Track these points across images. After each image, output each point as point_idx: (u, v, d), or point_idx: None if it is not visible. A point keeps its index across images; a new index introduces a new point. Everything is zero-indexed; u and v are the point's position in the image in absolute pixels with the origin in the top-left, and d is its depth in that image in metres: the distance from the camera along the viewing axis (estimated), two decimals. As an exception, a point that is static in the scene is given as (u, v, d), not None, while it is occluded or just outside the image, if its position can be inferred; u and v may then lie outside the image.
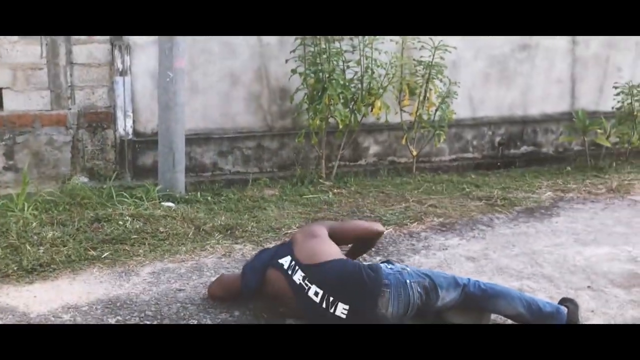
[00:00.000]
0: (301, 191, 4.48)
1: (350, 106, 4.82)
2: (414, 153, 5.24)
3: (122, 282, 2.85)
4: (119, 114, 4.56)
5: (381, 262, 2.46)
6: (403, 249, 3.32)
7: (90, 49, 4.43)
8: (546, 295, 2.69)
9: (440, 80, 5.09)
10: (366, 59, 4.79)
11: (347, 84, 4.72)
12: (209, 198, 4.19)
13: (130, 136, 4.64)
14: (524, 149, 5.95)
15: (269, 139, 5.12)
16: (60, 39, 4.30)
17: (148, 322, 2.44)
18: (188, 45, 4.63)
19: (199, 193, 4.29)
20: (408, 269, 2.36)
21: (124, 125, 4.59)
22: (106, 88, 4.53)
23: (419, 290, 2.26)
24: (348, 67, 4.77)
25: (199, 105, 4.82)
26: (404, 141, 5.16)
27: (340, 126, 4.71)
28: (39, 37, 4.23)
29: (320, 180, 4.77)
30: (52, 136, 4.43)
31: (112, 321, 2.42)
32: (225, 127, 4.97)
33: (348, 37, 4.74)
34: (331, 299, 2.26)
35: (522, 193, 4.54)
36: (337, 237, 2.61)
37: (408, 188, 4.63)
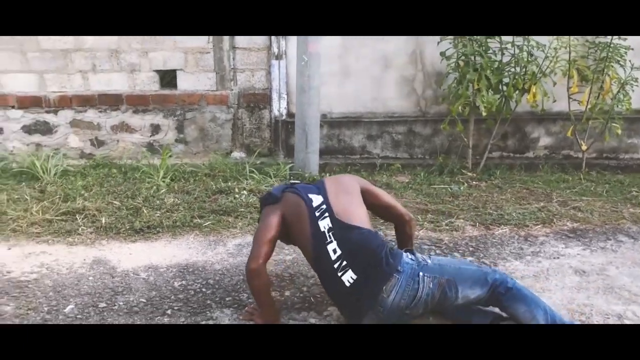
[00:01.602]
0: (432, 180, 4.30)
1: (502, 92, 4.47)
2: (584, 147, 4.68)
3: (206, 250, 3.04)
4: (274, 96, 4.82)
5: (405, 251, 2.27)
6: (506, 252, 3.00)
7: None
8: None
9: (621, 65, 4.45)
10: (526, 41, 4.38)
11: (500, 67, 4.38)
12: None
13: (284, 117, 4.88)
14: None
15: (422, 124, 4.98)
16: (225, 25, 4.66)
17: (206, 290, 2.57)
18: (341, 29, 4.71)
19: (328, 174, 4.37)
20: (429, 261, 2.17)
21: (279, 107, 4.84)
22: (264, 71, 4.81)
23: (430, 286, 2.11)
24: (506, 49, 4.40)
25: (350, 89, 4.87)
26: (569, 133, 4.63)
27: (484, 113, 4.37)
28: (207, 23, 4.64)
29: (463, 171, 4.51)
30: (215, 114, 4.86)
31: (177, 284, 2.63)
32: (375, 111, 4.96)
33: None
34: (344, 262, 2.19)
35: None
36: (366, 199, 2.47)
37: (561, 186, 4.14)
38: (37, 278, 2.64)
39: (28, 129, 4.81)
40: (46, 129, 4.82)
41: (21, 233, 3.12)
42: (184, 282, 2.64)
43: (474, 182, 4.26)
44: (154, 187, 3.81)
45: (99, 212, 3.37)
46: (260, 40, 4.72)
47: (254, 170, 4.27)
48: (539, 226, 3.36)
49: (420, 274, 2.12)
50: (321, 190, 2.39)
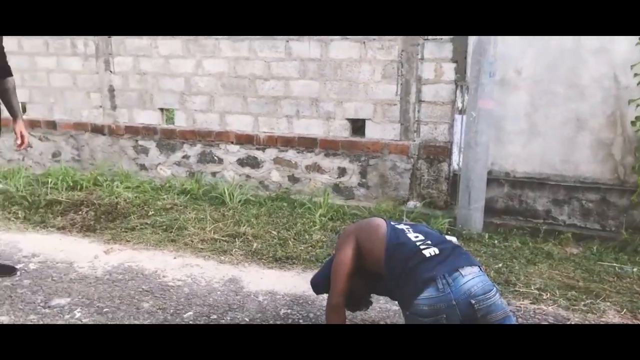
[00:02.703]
0: (605, 256, 3.85)
1: None
2: None
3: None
4: (454, 150, 4.84)
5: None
6: None
7: (436, 89, 4.86)
8: None
9: None
10: None
11: None
12: (496, 242, 4.06)
13: (463, 171, 4.86)
14: None
15: (618, 194, 4.49)
16: (413, 79, 4.88)
17: (302, 322, 2.76)
18: (528, 86, 4.56)
19: (487, 234, 4.24)
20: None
21: (458, 160, 4.85)
22: (447, 125, 4.88)
23: (498, 302, 2.24)
24: None
25: (536, 149, 4.64)
26: None
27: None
28: (396, 77, 4.92)
29: (655, 253, 3.93)
30: (396, 162, 5.07)
31: (281, 312, 2.94)
32: (564, 174, 4.62)
33: None
34: (428, 242, 2.42)
35: None
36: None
37: None
38: (180, 285, 3.18)
39: (241, 162, 5.64)
40: (255, 163, 5.59)
41: (190, 247, 3.76)
42: (289, 311, 2.92)
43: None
44: (310, 223, 4.18)
45: (255, 238, 3.86)
46: (445, 94, 4.83)
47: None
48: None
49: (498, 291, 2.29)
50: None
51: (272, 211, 4.55)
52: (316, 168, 5.39)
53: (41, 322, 2.90)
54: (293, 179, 5.48)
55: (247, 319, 2.78)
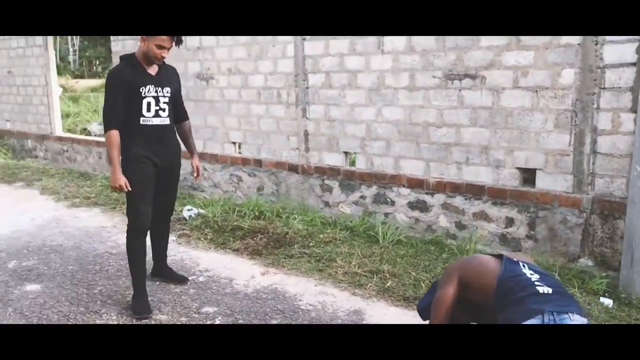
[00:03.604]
0: None
1: None
2: None
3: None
4: (630, 205, 4.40)
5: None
6: None
7: (613, 140, 4.49)
8: None
9: None
10: None
11: None
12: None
13: (644, 231, 4.37)
14: None
15: None
16: (587, 129, 4.60)
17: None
18: None
19: None
20: None
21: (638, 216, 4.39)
22: (624, 179, 4.46)
23: None
24: None
25: None
26: None
27: None
28: (569, 127, 4.69)
29: None
30: (566, 216, 4.78)
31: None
32: None
33: None
34: (543, 281, 2.45)
35: None
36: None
37: None
38: (310, 310, 3.58)
39: (411, 205, 5.85)
40: (423, 207, 5.75)
41: (333, 277, 4.07)
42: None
43: None
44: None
45: (392, 276, 4.01)
46: (623, 146, 4.45)
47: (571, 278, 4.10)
48: None
49: None
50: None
51: (419, 253, 4.66)
52: (483, 216, 5.34)
53: (188, 324, 3.49)
54: (460, 226, 5.49)
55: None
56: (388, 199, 6.03)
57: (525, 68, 4.92)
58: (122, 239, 4.88)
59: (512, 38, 4.94)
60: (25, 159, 10.80)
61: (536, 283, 2.41)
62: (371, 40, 5.90)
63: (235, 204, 6.58)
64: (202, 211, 6.23)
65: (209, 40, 7.54)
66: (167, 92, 4.20)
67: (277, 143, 7.03)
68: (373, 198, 6.16)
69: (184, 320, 3.55)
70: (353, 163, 6.54)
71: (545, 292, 2.36)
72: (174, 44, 4.07)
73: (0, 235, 5.56)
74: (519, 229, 5.11)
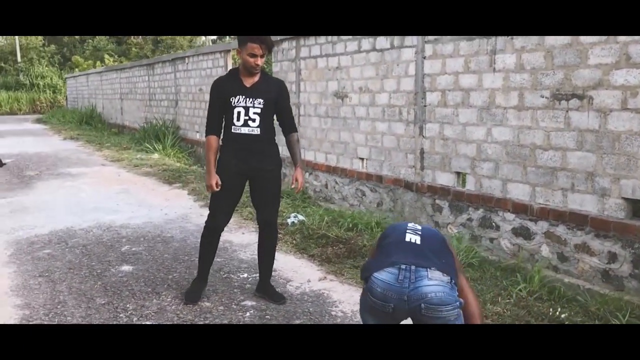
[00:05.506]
0: None
1: None
2: None
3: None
4: None
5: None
6: None
7: None
8: None
9: None
10: None
11: None
12: None
13: None
14: None
15: None
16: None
17: None
18: None
19: None
20: None
21: None
22: None
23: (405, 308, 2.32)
24: None
25: None
26: None
27: None
28: (680, 154, 4.09)
29: None
30: (673, 257, 4.15)
31: None
32: None
33: None
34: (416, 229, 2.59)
35: None
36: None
37: None
38: (335, 314, 3.58)
39: (515, 231, 5.53)
40: (527, 234, 5.40)
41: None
42: None
43: None
44: (506, 295, 3.90)
45: None
46: None
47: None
48: None
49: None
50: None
51: (485, 278, 4.41)
52: (585, 249, 4.86)
53: (222, 317, 3.83)
54: (562, 257, 5.06)
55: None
56: (493, 224, 5.77)
57: (635, 88, 4.41)
58: (226, 240, 5.42)
59: (622, 55, 4.48)
60: (203, 167, 12.33)
61: (407, 231, 2.40)
62: (483, 58, 5.75)
63: (338, 213, 6.82)
64: (302, 218, 6.58)
65: (345, 60, 7.96)
66: (260, 104, 4.43)
67: (397, 160, 7.14)
68: (479, 222, 5.94)
69: (221, 309, 3.94)
70: (464, 183, 6.38)
71: (412, 240, 2.37)
72: (266, 51, 4.35)
73: (133, 225, 6.57)
74: (622, 266, 4.55)
